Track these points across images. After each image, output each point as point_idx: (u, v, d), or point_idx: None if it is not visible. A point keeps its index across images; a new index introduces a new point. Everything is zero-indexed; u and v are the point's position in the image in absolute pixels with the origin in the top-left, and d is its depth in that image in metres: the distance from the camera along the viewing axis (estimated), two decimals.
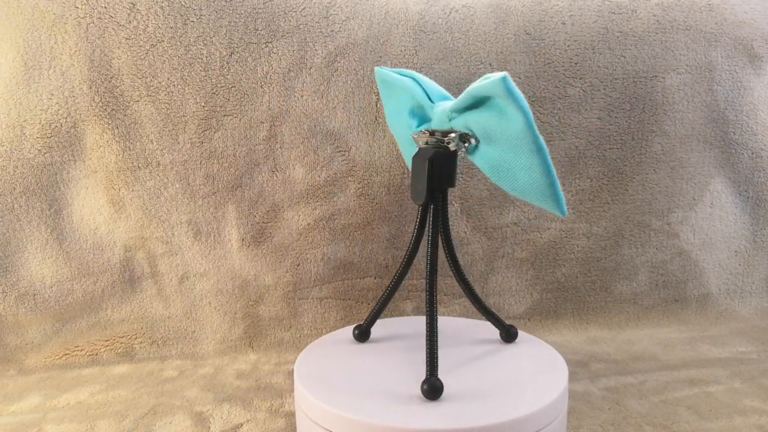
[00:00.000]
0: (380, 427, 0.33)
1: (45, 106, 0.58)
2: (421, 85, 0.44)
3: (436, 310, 0.39)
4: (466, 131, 0.39)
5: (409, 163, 0.47)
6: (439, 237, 0.42)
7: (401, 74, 0.46)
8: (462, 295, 0.63)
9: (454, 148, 0.40)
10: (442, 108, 0.41)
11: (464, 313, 0.64)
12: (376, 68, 0.49)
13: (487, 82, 0.34)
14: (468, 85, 0.64)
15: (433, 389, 0.36)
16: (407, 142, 0.48)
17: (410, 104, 0.45)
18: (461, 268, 0.46)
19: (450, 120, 0.40)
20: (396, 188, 0.63)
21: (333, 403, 0.36)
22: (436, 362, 0.37)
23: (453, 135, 0.39)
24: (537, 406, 0.35)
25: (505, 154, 0.36)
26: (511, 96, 0.33)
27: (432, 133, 0.41)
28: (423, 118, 0.45)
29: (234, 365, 0.58)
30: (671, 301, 0.68)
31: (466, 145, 0.39)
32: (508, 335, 0.46)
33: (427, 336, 0.38)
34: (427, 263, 0.40)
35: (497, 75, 0.33)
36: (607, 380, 0.52)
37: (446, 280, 0.64)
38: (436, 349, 0.37)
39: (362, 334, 0.47)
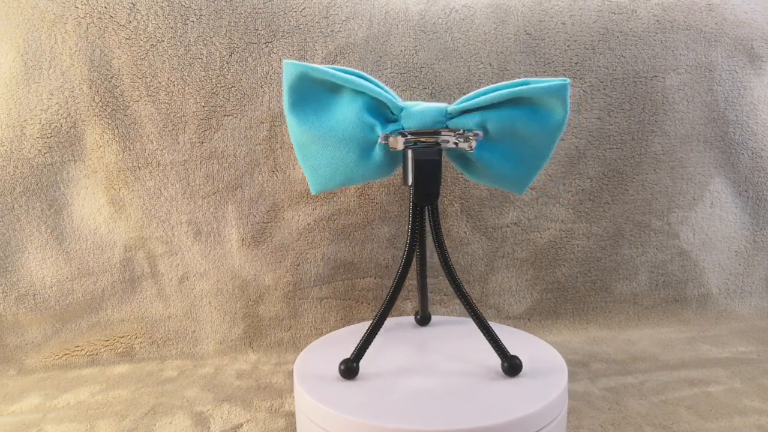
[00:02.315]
0: (380, 428, 0.33)
1: (45, 106, 0.58)
2: (379, 85, 0.41)
3: (474, 303, 0.42)
4: (478, 128, 0.40)
5: (331, 169, 0.43)
6: (418, 237, 0.42)
7: (342, 71, 0.40)
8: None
9: (467, 147, 0.41)
10: (432, 108, 0.40)
11: (464, 312, 0.64)
12: (289, 62, 0.40)
13: (548, 84, 0.39)
14: (468, 85, 0.64)
15: (512, 367, 0.39)
16: (349, 145, 0.41)
17: (365, 104, 0.40)
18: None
19: (449, 119, 0.40)
20: (396, 188, 0.63)
21: (333, 403, 0.36)
22: (503, 345, 0.40)
23: (470, 133, 0.40)
24: (537, 406, 0.35)
25: (525, 147, 0.42)
26: (566, 96, 0.39)
27: (419, 134, 0.41)
28: (385, 119, 0.41)
29: (234, 365, 0.58)
30: (671, 301, 0.68)
31: (472, 142, 0.40)
32: (423, 320, 0.52)
33: (482, 329, 0.41)
34: (443, 264, 0.42)
35: (556, 80, 0.39)
36: (607, 380, 0.52)
37: (446, 280, 0.64)
38: (495, 334, 0.40)
39: (349, 371, 0.39)
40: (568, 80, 0.39)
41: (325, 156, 0.42)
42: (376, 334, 0.41)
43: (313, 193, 0.44)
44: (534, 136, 0.41)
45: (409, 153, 0.40)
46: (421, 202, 0.41)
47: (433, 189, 0.40)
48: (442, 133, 0.40)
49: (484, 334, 0.41)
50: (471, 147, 0.40)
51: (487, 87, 0.41)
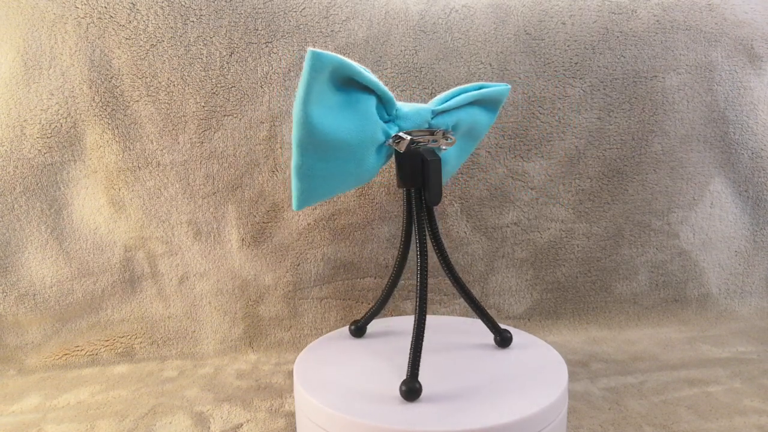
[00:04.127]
0: (379, 428, 0.33)
1: (45, 106, 0.58)
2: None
3: (459, 275, 0.45)
4: (451, 127, 0.42)
5: (340, 178, 0.37)
6: (414, 234, 0.43)
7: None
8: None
9: (446, 145, 0.42)
10: (424, 108, 0.40)
11: (464, 312, 0.64)
12: (319, 53, 0.32)
13: (502, 88, 0.45)
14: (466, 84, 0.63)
15: (504, 340, 0.45)
16: (365, 148, 0.37)
17: (375, 102, 0.37)
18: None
19: (433, 118, 0.41)
20: (396, 188, 0.63)
21: (332, 403, 0.36)
22: (493, 320, 0.45)
23: (450, 132, 0.42)
24: (537, 407, 0.35)
25: (470, 143, 0.47)
26: (505, 99, 0.46)
27: (420, 134, 0.40)
28: (382, 118, 0.39)
29: (234, 365, 0.58)
30: (671, 301, 0.68)
31: (452, 140, 0.43)
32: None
33: (471, 305, 0.45)
34: (444, 263, 0.44)
35: (501, 85, 0.45)
36: (607, 380, 0.52)
37: (446, 280, 0.64)
38: (485, 309, 0.45)
39: (411, 392, 0.37)
40: (509, 86, 0.46)
41: (339, 163, 0.36)
42: (421, 345, 0.38)
43: (295, 209, 0.36)
44: (478, 133, 0.46)
45: (418, 154, 0.40)
46: (433, 203, 0.41)
47: (440, 188, 0.41)
48: (434, 132, 0.41)
49: (473, 308, 0.45)
50: (449, 145, 0.43)
51: (454, 89, 0.43)
